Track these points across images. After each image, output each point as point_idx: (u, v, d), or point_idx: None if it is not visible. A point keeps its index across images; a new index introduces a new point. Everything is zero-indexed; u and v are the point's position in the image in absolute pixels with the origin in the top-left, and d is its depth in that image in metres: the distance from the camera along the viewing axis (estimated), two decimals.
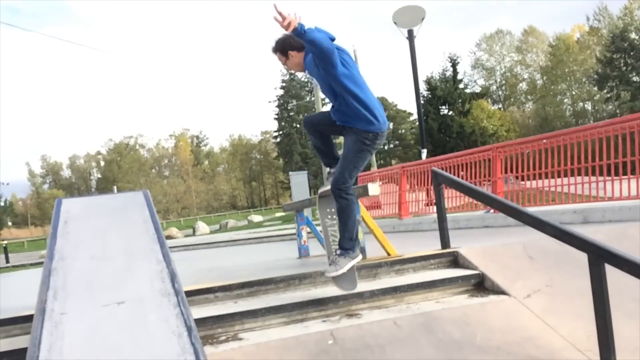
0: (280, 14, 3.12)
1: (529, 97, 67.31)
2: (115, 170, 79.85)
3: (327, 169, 3.98)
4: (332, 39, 3.50)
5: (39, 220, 78.66)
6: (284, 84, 65.66)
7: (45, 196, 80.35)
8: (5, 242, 27.80)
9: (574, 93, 62.02)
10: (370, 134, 3.52)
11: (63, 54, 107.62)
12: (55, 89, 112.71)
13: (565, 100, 63.37)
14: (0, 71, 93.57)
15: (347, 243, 3.53)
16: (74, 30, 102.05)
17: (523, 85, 68.46)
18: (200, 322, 3.04)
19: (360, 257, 3.63)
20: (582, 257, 2.92)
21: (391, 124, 69.60)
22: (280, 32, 3.39)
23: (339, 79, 3.42)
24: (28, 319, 3.01)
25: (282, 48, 3.67)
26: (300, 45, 3.57)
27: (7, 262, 22.16)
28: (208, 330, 3.15)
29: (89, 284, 2.50)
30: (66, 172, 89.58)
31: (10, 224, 66.32)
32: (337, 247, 3.57)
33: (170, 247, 2.89)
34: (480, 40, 69.02)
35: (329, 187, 3.76)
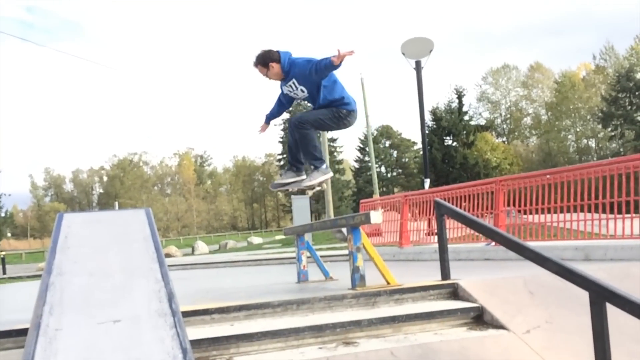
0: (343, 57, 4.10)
1: (533, 131, 67.62)
2: (118, 186, 79.98)
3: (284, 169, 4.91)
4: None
5: (38, 233, 78.60)
6: (290, 109, 66.06)
7: (46, 209, 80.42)
8: (3, 253, 27.66)
9: (578, 130, 62.29)
10: (345, 110, 4.57)
11: (71, 69, 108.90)
12: (63, 103, 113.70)
13: (570, 136, 63.62)
14: (2, 82, 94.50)
15: (317, 162, 4.61)
16: (84, 47, 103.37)
17: (528, 120, 68.85)
18: (196, 343, 3.01)
19: (330, 173, 4.78)
20: (583, 295, 2.90)
21: (395, 152, 69.87)
22: (257, 49, 4.54)
23: (332, 76, 4.46)
24: (22, 332, 2.98)
25: (263, 61, 4.49)
26: (278, 58, 4.46)
27: (4, 273, 22.03)
28: (203, 352, 3.12)
29: (86, 300, 2.48)
30: (69, 186, 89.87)
31: (9, 234, 66.18)
32: (311, 166, 4.65)
33: (168, 266, 2.88)
34: (486, 74, 69.77)
35: (283, 180, 4.80)
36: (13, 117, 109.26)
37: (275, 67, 4.47)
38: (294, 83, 4.50)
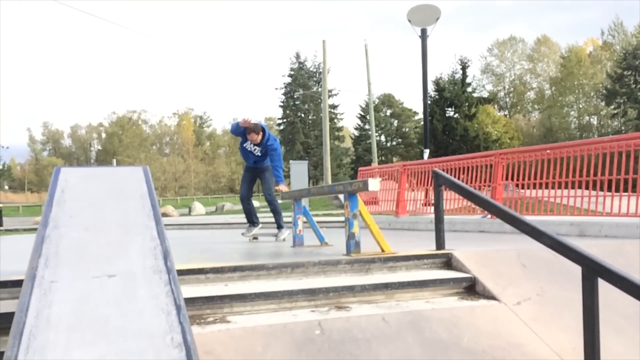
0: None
1: (535, 106, 67.23)
2: (116, 144, 79.70)
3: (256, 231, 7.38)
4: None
5: (35, 187, 78.65)
6: (292, 72, 65.36)
7: (44, 163, 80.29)
8: (0, 205, 27.77)
9: (581, 106, 61.91)
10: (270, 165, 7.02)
11: (72, 22, 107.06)
12: (62, 56, 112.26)
13: (572, 112, 63.26)
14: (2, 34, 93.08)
15: (283, 224, 7.10)
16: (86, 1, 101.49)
17: (531, 94, 68.37)
18: (190, 301, 3.04)
19: (288, 231, 6.96)
20: (575, 270, 2.92)
21: (395, 121, 69.49)
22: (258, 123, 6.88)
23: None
24: (17, 283, 3.00)
25: (259, 131, 6.76)
26: (264, 132, 6.84)
27: (1, 225, 22.12)
28: (197, 310, 3.15)
29: (81, 254, 2.49)
30: (67, 141, 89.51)
31: (6, 187, 66.26)
32: (278, 226, 7.13)
33: (165, 225, 2.87)
34: (492, 46, 68.94)
35: (254, 232, 7.31)
36: (12, 69, 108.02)
37: (260, 136, 6.80)
38: (258, 147, 6.90)
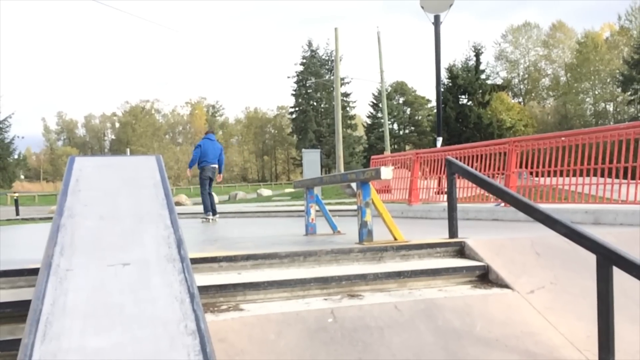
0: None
1: (550, 93, 66.37)
2: (130, 133, 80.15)
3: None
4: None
5: (50, 176, 79.56)
6: (304, 61, 65.09)
7: (58, 152, 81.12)
8: (16, 194, 28.12)
9: (596, 92, 61.02)
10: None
11: (85, 12, 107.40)
12: (75, 46, 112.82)
13: (587, 99, 62.36)
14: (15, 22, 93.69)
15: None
16: None
17: (546, 81, 67.49)
18: (203, 289, 3.07)
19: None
20: (590, 258, 2.89)
21: (408, 109, 69.05)
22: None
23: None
24: (34, 272, 3.05)
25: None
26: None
27: (17, 214, 22.43)
28: (210, 298, 3.18)
29: (96, 243, 2.51)
30: (81, 131, 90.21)
31: (22, 177, 67.02)
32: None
33: (178, 214, 2.89)
34: (506, 32, 68.02)
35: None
36: (26, 59, 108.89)
37: None
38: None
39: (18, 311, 2.74)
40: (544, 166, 7.15)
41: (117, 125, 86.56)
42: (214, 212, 10.29)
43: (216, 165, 10.06)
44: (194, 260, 3.29)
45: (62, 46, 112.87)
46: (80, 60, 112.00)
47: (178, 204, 28.36)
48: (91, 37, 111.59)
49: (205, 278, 3.35)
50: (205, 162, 9.91)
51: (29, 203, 40.67)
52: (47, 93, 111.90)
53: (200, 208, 10.37)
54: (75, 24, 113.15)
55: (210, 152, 9.95)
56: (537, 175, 7.38)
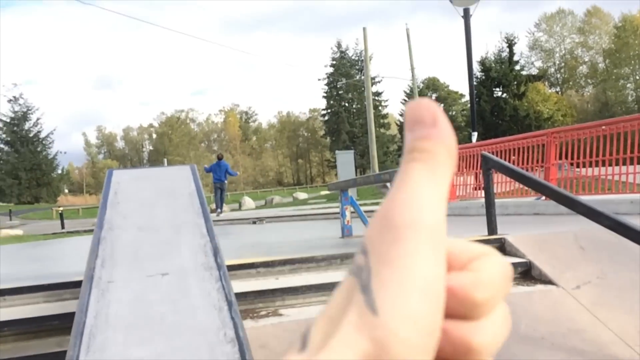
0: None
1: (589, 80, 64.53)
2: (167, 143, 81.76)
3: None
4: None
5: (93, 189, 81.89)
6: (334, 62, 65.10)
7: (100, 166, 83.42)
8: (61, 208, 29.00)
9: (637, 77, 58.97)
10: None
11: (120, 28, 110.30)
12: (112, 61, 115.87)
13: (628, 85, 60.34)
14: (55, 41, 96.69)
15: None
16: (128, 4, 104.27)
17: (583, 69, 65.66)
18: (242, 296, 3.09)
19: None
20: (638, 250, 2.78)
21: (442, 105, 68.26)
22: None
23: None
24: (78, 284, 3.12)
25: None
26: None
27: (63, 228, 23.08)
28: (249, 304, 3.19)
29: (135, 254, 2.56)
30: (120, 144, 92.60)
31: (66, 191, 69.20)
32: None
33: (214, 221, 2.92)
34: (539, 20, 66.52)
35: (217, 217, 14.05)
36: (66, 76, 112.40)
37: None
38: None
39: (64, 323, 2.81)
40: (585, 157, 6.94)
41: (154, 136, 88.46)
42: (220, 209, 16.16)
43: (220, 181, 15.73)
44: (231, 267, 3.32)
45: (98, 61, 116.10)
46: (116, 73, 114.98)
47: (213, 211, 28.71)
48: (127, 50, 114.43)
49: (243, 284, 3.37)
50: (213, 178, 15.87)
51: (73, 216, 41.87)
52: (85, 108, 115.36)
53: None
54: (111, 38, 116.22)
55: (215, 172, 15.68)
56: (578, 166, 7.17)
